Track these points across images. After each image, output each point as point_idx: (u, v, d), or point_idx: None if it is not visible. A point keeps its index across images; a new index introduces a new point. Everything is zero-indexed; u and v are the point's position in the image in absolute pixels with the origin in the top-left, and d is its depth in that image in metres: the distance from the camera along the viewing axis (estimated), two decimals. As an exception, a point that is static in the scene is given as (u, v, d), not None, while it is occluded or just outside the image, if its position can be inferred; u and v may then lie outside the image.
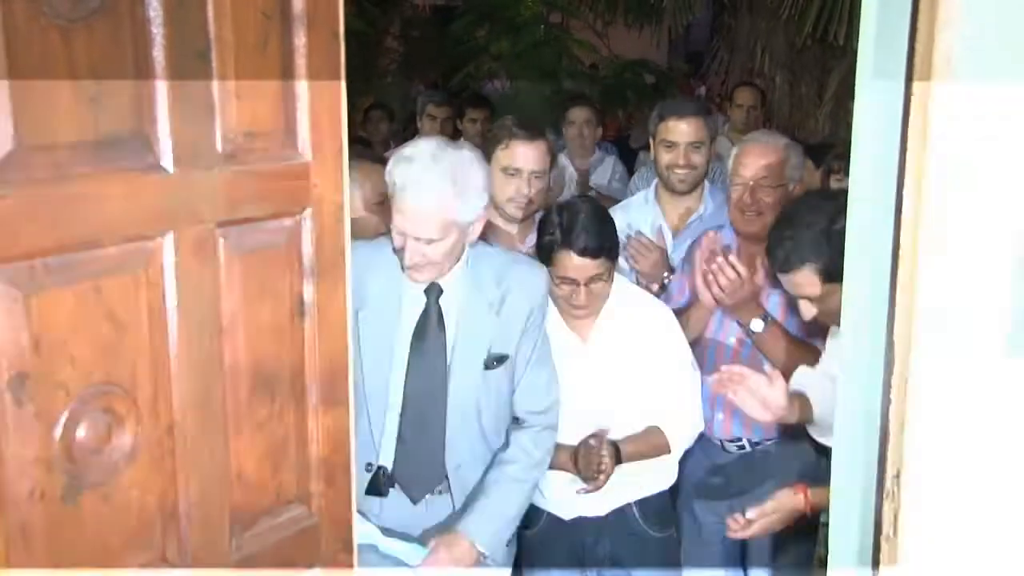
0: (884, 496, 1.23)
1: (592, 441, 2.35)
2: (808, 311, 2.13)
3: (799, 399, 2.15)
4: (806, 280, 2.08)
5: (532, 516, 2.55)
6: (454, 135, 5.09)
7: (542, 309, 2.28)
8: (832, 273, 1.96)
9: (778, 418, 2.11)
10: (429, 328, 2.19)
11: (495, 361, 2.20)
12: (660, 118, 3.07)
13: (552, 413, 2.33)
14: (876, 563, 1.26)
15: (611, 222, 2.48)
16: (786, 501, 2.12)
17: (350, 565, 1.44)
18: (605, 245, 2.39)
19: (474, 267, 2.21)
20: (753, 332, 2.52)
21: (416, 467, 2.22)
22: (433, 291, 2.19)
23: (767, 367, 2.20)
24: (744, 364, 2.58)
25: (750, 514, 2.12)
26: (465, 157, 2.10)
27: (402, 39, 8.54)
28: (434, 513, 2.26)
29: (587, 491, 2.38)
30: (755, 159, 2.60)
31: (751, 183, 2.57)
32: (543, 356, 2.29)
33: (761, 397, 2.07)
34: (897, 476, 1.21)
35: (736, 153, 2.67)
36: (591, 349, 2.47)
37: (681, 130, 3.01)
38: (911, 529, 1.21)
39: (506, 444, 2.29)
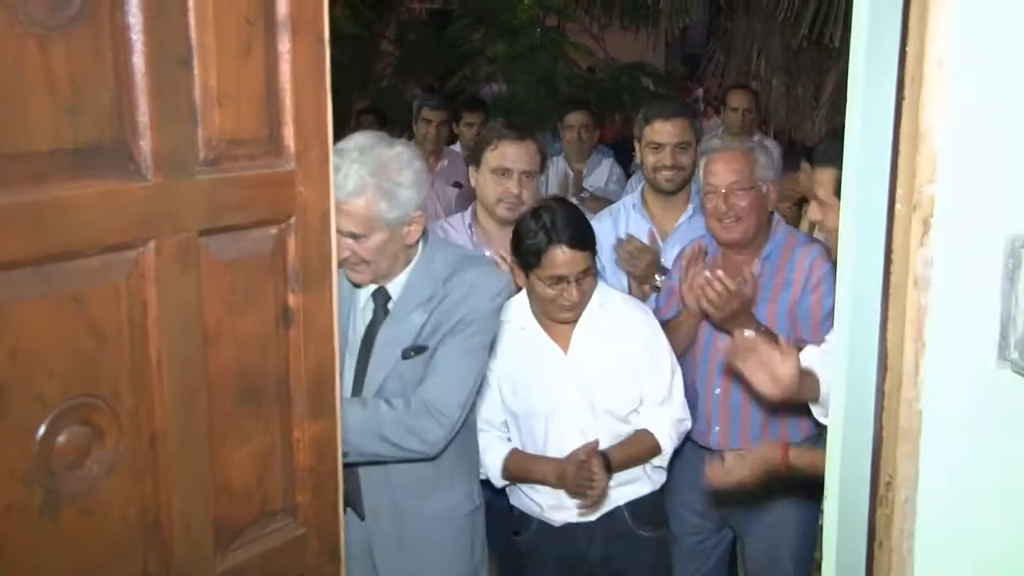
0: (877, 502, 1.22)
1: (581, 455, 2.34)
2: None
3: (807, 377, 2.11)
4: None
5: (522, 523, 2.54)
6: (450, 139, 5.10)
7: (481, 319, 2.13)
8: None
9: (786, 394, 2.06)
10: (376, 334, 2.15)
11: (413, 351, 2.11)
12: (645, 120, 3.10)
13: (449, 409, 2.07)
14: (869, 569, 1.25)
15: (586, 218, 2.53)
16: (765, 452, 2.08)
17: (338, 576, 1.43)
18: (590, 237, 2.43)
19: (428, 260, 2.15)
20: None
21: (354, 478, 2.13)
22: (380, 296, 2.15)
23: (781, 340, 2.15)
24: (734, 375, 2.58)
25: (728, 457, 2.09)
26: (396, 154, 2.05)
27: (398, 43, 8.54)
28: (379, 531, 2.19)
29: (582, 507, 2.37)
30: (724, 166, 2.59)
31: (723, 190, 2.56)
32: (467, 352, 2.12)
33: (771, 371, 2.03)
34: (889, 483, 1.20)
35: (704, 163, 2.67)
36: (573, 358, 2.45)
37: (667, 131, 3.03)
38: (904, 535, 1.20)
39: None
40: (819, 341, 2.49)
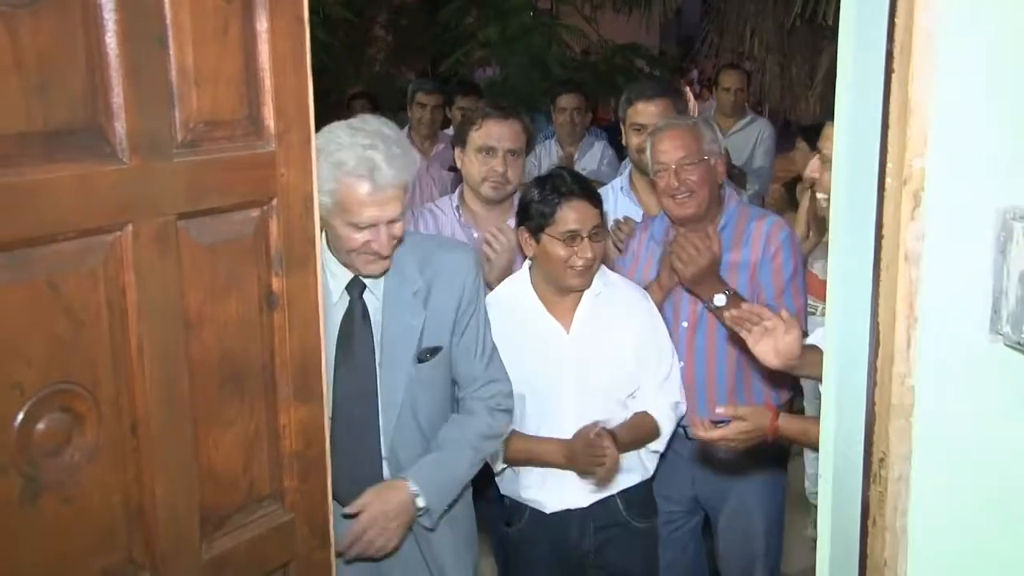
0: (871, 480, 1.21)
1: (590, 433, 2.32)
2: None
3: (814, 353, 2.09)
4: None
5: (514, 512, 2.52)
6: (444, 123, 5.08)
7: (474, 298, 2.18)
8: None
9: (788, 367, 2.04)
10: (355, 326, 2.11)
11: (428, 353, 2.12)
12: (628, 102, 3.09)
13: (508, 402, 2.23)
14: (863, 547, 1.24)
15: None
16: (756, 413, 2.05)
17: (327, 561, 1.41)
18: (598, 196, 2.44)
19: (396, 256, 2.10)
20: (716, 307, 2.49)
21: (352, 473, 2.07)
22: (356, 287, 2.11)
23: (784, 312, 2.13)
24: (697, 347, 2.57)
25: (719, 410, 2.08)
26: (383, 127, 2.04)
27: (390, 28, 8.49)
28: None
29: (593, 483, 2.36)
30: (671, 143, 2.59)
31: (674, 166, 2.55)
32: (484, 339, 2.22)
33: (775, 341, 2.01)
34: (883, 460, 1.18)
35: (651, 143, 2.65)
36: (575, 337, 2.44)
37: (650, 112, 3.02)
38: (898, 512, 1.18)
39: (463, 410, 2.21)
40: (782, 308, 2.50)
